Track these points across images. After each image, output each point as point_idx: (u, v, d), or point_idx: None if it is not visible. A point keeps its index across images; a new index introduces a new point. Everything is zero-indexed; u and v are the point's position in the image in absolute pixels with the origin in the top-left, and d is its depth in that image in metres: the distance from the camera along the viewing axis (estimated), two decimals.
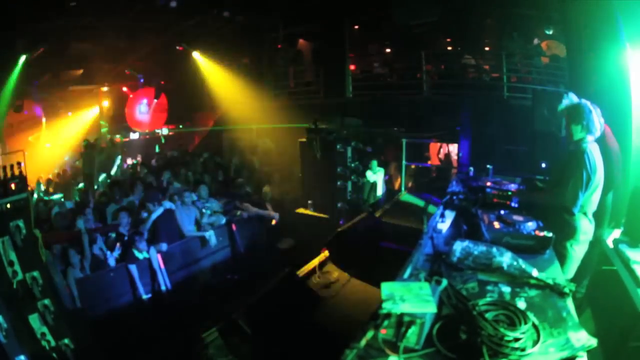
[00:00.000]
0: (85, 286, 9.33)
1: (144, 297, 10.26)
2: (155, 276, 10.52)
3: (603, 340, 4.87)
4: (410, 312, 2.77)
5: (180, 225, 11.42)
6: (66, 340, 7.11)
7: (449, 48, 20.95)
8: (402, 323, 2.76)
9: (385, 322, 2.79)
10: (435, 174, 17.00)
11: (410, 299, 2.88)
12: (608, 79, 8.01)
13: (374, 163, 14.99)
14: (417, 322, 2.74)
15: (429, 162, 18.12)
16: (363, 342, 2.78)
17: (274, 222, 13.35)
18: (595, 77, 8.45)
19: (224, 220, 12.53)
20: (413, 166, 16.55)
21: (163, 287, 10.57)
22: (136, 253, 10.26)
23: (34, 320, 6.86)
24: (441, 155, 18.35)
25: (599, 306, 5.96)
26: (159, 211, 11.11)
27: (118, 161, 20.41)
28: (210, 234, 11.81)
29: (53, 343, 6.97)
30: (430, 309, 2.84)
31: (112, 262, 10.15)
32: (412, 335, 2.76)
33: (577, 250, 5.62)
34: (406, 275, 3.73)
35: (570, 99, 5.61)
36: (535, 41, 17.53)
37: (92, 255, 9.97)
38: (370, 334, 2.80)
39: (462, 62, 18.40)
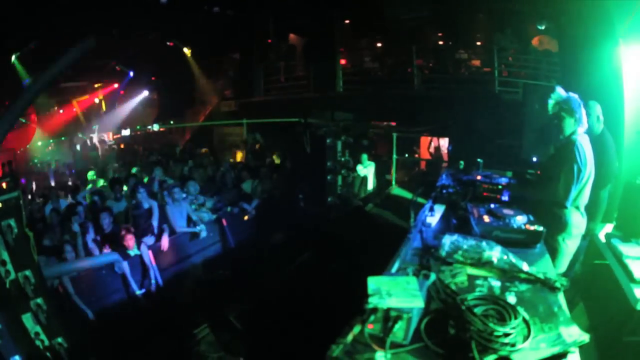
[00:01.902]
0: (77, 284, 9.30)
1: (136, 293, 10.22)
2: (146, 273, 10.48)
3: (596, 334, 4.85)
4: (397, 307, 2.73)
5: (171, 222, 11.37)
6: (59, 339, 7.05)
7: (440, 42, 20.95)
8: (389, 318, 2.72)
9: (372, 317, 2.75)
10: (425, 168, 17.06)
11: (397, 293, 2.84)
12: (601, 75, 8.02)
13: (365, 157, 15.00)
14: (404, 317, 2.70)
15: (416, 156, 18.18)
16: (350, 337, 2.73)
17: (246, 217, 13.27)
18: (588, 73, 8.44)
19: (214, 216, 12.51)
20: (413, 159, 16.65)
21: (154, 284, 10.53)
22: (127, 250, 10.22)
23: (27, 319, 6.79)
24: (431, 149, 18.43)
25: (591, 301, 5.94)
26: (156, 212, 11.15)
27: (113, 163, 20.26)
28: (201, 227, 11.78)
29: (47, 342, 6.90)
30: (418, 303, 2.80)
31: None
32: (399, 330, 2.71)
33: (570, 244, 5.59)
34: (394, 269, 3.69)
35: (558, 93, 5.59)
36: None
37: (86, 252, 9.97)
38: (357, 329, 2.76)
39: (456, 57, 18.39)
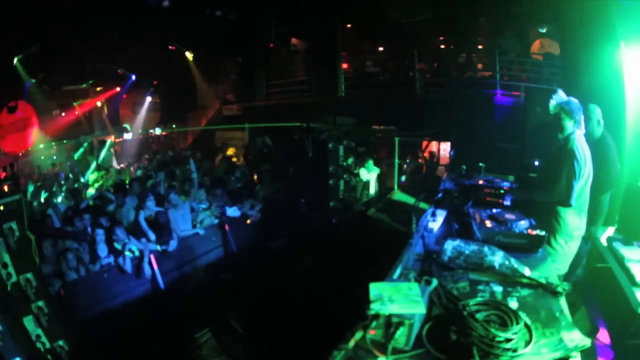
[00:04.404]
0: (79, 287, 9.30)
1: (138, 297, 10.21)
2: (149, 277, 10.47)
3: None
4: (399, 313, 2.73)
5: (173, 226, 11.36)
6: (60, 342, 7.06)
7: (442, 46, 20.96)
8: (390, 324, 2.72)
9: (374, 323, 2.74)
10: (427, 173, 17.06)
11: (399, 299, 2.84)
12: (602, 77, 8.02)
13: (370, 162, 14.98)
14: (406, 323, 2.69)
15: (419, 161, 18.18)
16: (351, 343, 2.73)
17: (248, 221, 13.28)
18: (589, 75, 8.43)
19: (216, 220, 12.49)
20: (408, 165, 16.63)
21: (157, 288, 10.51)
22: (128, 253, 10.21)
23: (29, 322, 6.80)
24: (426, 154, 18.44)
25: (593, 304, 5.94)
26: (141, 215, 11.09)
27: (103, 154, 20.30)
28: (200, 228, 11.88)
29: (48, 345, 6.92)
30: (419, 309, 2.80)
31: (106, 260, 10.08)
32: (401, 336, 2.71)
33: (571, 246, 5.66)
34: (396, 275, 3.68)
35: (560, 96, 5.65)
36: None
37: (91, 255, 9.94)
38: (358, 334, 2.76)
39: (458, 61, 18.40)
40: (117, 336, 8.64)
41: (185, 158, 17.86)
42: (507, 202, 5.52)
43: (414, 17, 18.08)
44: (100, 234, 9.98)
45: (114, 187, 13.81)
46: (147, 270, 10.39)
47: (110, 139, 24.38)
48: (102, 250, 9.96)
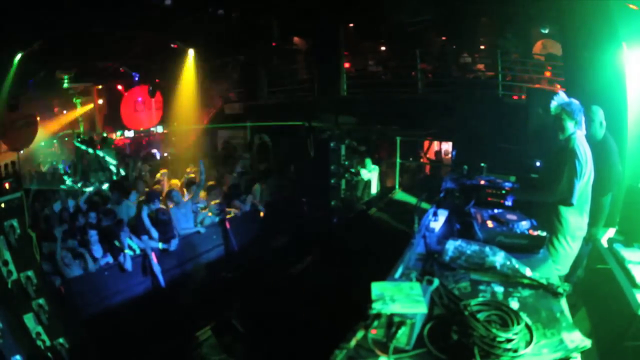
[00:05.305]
0: (80, 285, 9.29)
1: (139, 295, 10.19)
2: (150, 275, 10.47)
3: (598, 339, 4.85)
4: (401, 313, 2.73)
5: (175, 224, 11.35)
6: (61, 340, 7.06)
7: (444, 46, 20.94)
8: (392, 323, 2.71)
9: (375, 323, 2.74)
10: (429, 172, 17.06)
11: (401, 299, 2.83)
12: (604, 78, 8.02)
13: (369, 161, 14.97)
14: (408, 323, 2.70)
15: (421, 160, 18.19)
16: (353, 342, 2.73)
17: (262, 214, 13.28)
18: (591, 76, 8.43)
19: (217, 218, 12.47)
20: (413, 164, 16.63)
21: (158, 286, 10.50)
22: (129, 251, 10.19)
23: (29, 319, 6.81)
24: (429, 154, 18.42)
25: (593, 305, 5.94)
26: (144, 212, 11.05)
27: (113, 161, 20.12)
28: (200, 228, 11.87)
29: (48, 342, 6.91)
30: (421, 309, 2.80)
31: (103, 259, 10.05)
32: (402, 336, 2.71)
33: (573, 246, 5.69)
34: (397, 274, 3.68)
35: (561, 97, 5.67)
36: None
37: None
38: (360, 334, 2.75)
39: (460, 61, 18.38)
40: (118, 334, 8.65)
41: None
42: (509, 203, 5.52)
43: (416, 16, 18.10)
44: (93, 234, 9.94)
45: (112, 185, 13.77)
46: (148, 268, 10.39)
47: (111, 137, 24.35)
48: (97, 250, 9.91)
